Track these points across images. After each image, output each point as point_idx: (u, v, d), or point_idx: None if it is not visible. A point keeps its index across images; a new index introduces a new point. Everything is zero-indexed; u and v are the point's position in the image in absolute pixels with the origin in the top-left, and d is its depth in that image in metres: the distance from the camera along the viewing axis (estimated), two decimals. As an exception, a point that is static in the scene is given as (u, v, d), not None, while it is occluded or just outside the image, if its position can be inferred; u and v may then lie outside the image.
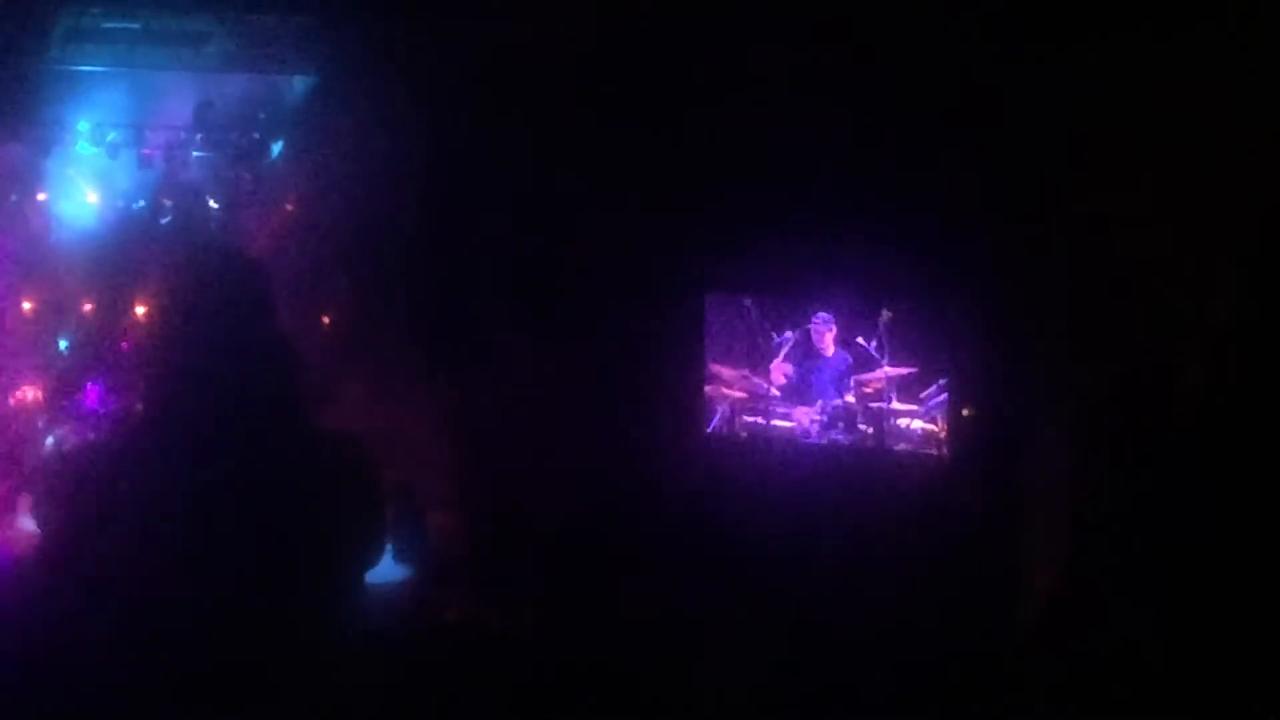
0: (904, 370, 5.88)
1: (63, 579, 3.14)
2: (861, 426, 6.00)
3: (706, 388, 6.13)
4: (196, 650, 2.92)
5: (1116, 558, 4.92)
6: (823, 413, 6.03)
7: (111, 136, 6.38)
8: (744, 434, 6.14)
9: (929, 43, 5.30)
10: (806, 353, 6.05)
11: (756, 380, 6.11)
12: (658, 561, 5.54)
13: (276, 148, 6.19)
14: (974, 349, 5.70)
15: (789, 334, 6.04)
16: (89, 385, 6.09)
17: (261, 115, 6.21)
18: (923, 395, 5.86)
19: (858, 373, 5.98)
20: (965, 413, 5.77)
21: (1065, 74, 5.06)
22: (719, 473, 5.97)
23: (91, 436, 5.83)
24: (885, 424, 5.94)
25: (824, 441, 6.05)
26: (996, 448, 5.67)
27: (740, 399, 6.12)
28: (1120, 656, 4.68)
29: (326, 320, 5.91)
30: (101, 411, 6.02)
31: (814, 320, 5.98)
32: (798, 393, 6.08)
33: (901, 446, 5.91)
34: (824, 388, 6.04)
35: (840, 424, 6.01)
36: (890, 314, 5.88)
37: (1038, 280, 5.41)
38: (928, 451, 5.86)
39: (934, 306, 5.79)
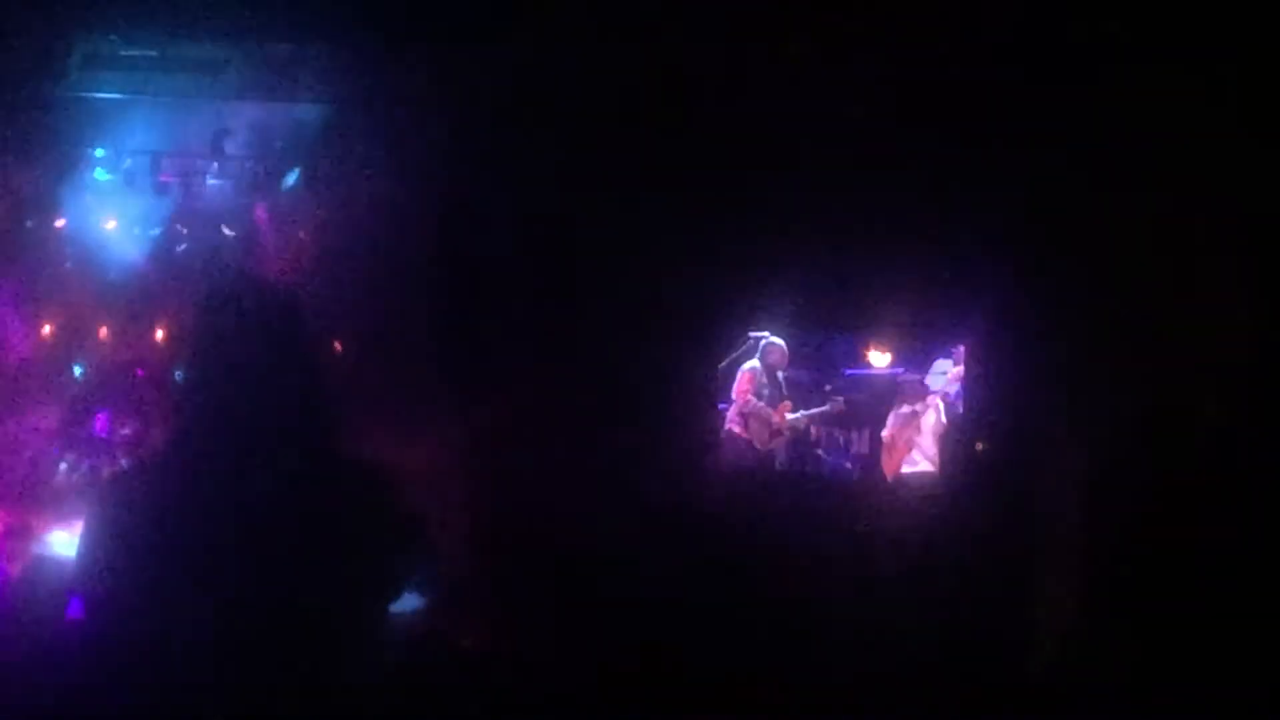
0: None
1: (85, 603, 3.13)
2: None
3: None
4: (215, 679, 2.91)
5: (1128, 589, 4.92)
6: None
7: (128, 163, 6.39)
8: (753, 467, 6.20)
9: (951, 77, 5.33)
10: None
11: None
12: (673, 588, 5.54)
13: (292, 175, 6.20)
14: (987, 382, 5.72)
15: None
16: (104, 411, 6.09)
17: (278, 143, 6.22)
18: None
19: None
20: (980, 447, 5.78)
21: (1084, 109, 5.09)
22: (732, 500, 5.98)
23: (106, 463, 5.83)
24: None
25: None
26: (1007, 480, 5.69)
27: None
28: (1126, 676, 4.68)
29: (342, 347, 5.91)
30: (116, 438, 6.02)
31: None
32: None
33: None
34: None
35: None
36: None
37: (1052, 312, 5.43)
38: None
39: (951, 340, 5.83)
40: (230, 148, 6.36)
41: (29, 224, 6.26)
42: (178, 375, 3.32)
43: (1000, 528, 5.59)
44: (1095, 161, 5.18)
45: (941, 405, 6.08)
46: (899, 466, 6.21)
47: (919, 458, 6.15)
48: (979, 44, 5.24)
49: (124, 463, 5.59)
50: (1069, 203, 5.33)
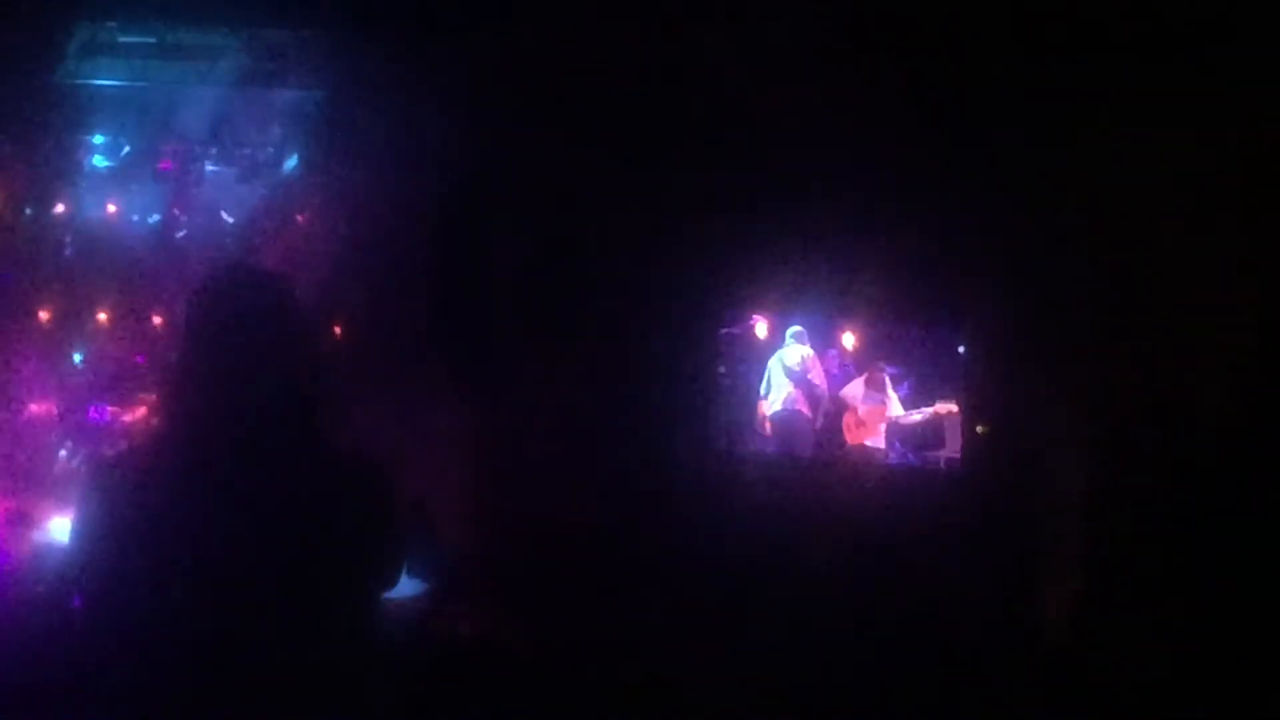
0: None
1: (79, 592, 3.14)
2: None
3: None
4: (211, 669, 2.92)
5: (1132, 569, 4.93)
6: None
7: (127, 150, 6.39)
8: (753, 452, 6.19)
9: (946, 65, 5.32)
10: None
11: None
12: (672, 576, 5.55)
13: (291, 162, 6.20)
14: (988, 366, 5.72)
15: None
16: (104, 398, 6.09)
17: (276, 129, 6.22)
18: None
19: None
20: (980, 430, 5.78)
21: (1080, 91, 5.08)
22: (733, 487, 5.98)
23: (105, 450, 5.82)
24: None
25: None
26: (1009, 461, 5.69)
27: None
28: (1136, 667, 4.68)
29: (339, 334, 5.92)
30: (115, 425, 6.02)
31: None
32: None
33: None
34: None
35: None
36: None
37: (1053, 296, 5.42)
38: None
39: (949, 324, 5.81)
40: (228, 134, 6.35)
41: (28, 211, 6.25)
42: (176, 362, 3.31)
43: (1000, 511, 5.61)
44: (1097, 153, 5.18)
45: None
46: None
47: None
48: (980, 32, 5.25)
49: (122, 449, 5.58)
50: (1069, 191, 5.33)
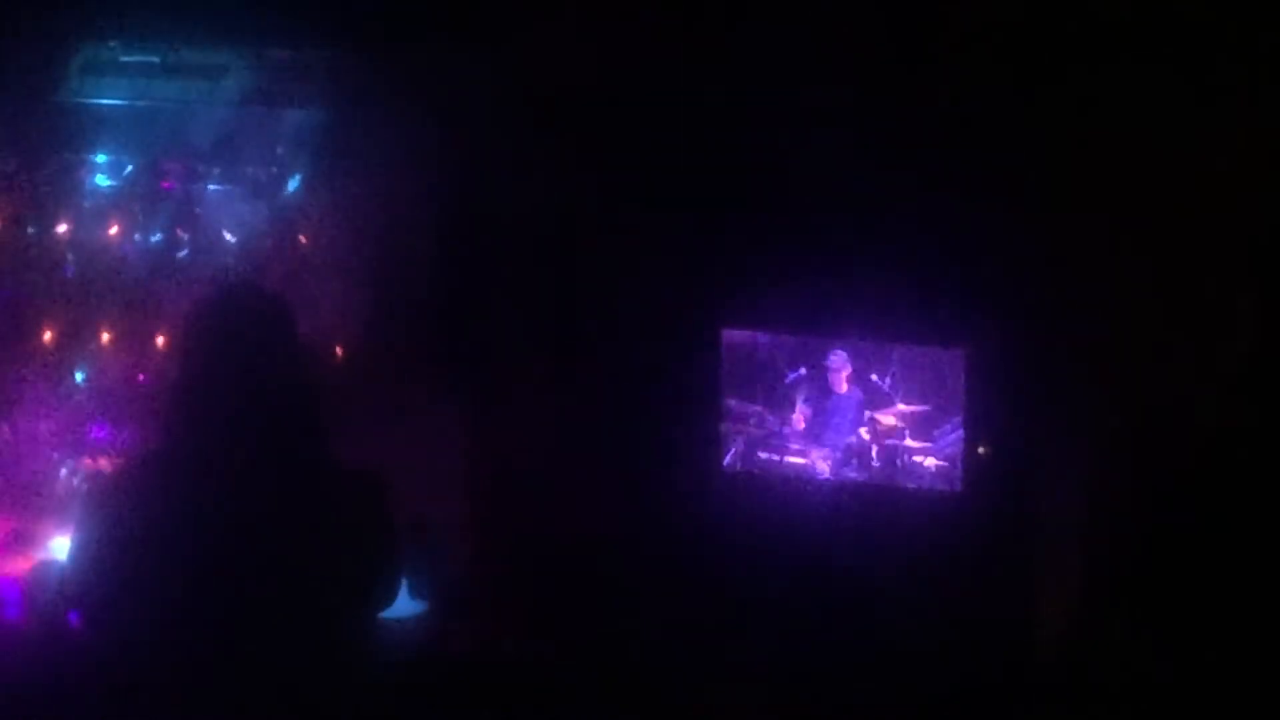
0: (918, 408, 5.87)
1: (77, 608, 3.14)
2: (874, 464, 5.97)
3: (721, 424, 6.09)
4: (208, 687, 2.92)
5: (1134, 593, 4.91)
6: (836, 450, 6.02)
7: (129, 169, 6.38)
8: (757, 470, 6.09)
9: (948, 77, 5.32)
10: (820, 390, 6.02)
11: (770, 417, 6.08)
12: (672, 593, 5.54)
13: (294, 181, 6.20)
14: (989, 386, 5.69)
15: (802, 370, 6.03)
16: (104, 417, 6.09)
17: (279, 149, 6.22)
18: (936, 433, 5.85)
19: (870, 410, 5.96)
20: (981, 450, 5.75)
21: (1085, 111, 5.08)
22: (734, 507, 5.96)
23: (106, 470, 5.83)
24: (899, 461, 5.92)
25: (837, 479, 6.03)
26: (1011, 484, 5.67)
27: (754, 435, 6.09)
28: (1138, 692, 4.66)
29: (340, 352, 5.92)
30: (116, 443, 6.01)
31: (830, 357, 5.96)
32: (811, 431, 6.05)
33: (915, 484, 5.87)
34: (837, 425, 6.02)
35: (854, 461, 5.99)
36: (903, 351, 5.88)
37: (1054, 316, 5.41)
38: (942, 488, 5.82)
39: (949, 344, 5.77)
40: (231, 154, 6.35)
41: (31, 230, 6.26)
42: (176, 380, 3.32)
43: (1001, 530, 5.59)
44: (1096, 162, 5.18)
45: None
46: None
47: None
48: (979, 38, 5.25)
49: (122, 467, 5.58)
50: (1072, 202, 5.32)
